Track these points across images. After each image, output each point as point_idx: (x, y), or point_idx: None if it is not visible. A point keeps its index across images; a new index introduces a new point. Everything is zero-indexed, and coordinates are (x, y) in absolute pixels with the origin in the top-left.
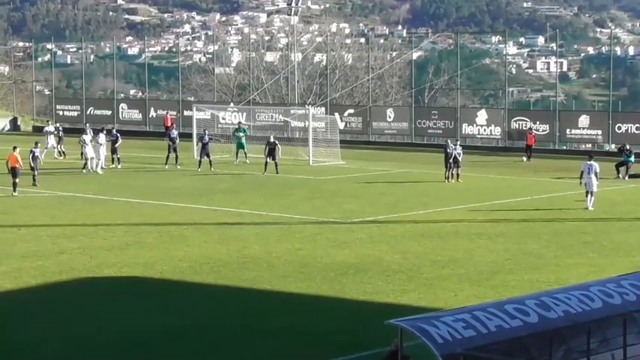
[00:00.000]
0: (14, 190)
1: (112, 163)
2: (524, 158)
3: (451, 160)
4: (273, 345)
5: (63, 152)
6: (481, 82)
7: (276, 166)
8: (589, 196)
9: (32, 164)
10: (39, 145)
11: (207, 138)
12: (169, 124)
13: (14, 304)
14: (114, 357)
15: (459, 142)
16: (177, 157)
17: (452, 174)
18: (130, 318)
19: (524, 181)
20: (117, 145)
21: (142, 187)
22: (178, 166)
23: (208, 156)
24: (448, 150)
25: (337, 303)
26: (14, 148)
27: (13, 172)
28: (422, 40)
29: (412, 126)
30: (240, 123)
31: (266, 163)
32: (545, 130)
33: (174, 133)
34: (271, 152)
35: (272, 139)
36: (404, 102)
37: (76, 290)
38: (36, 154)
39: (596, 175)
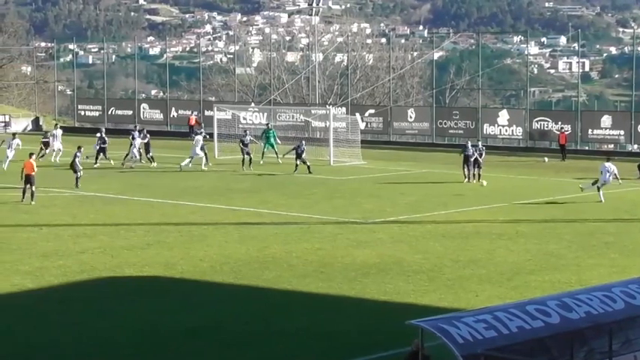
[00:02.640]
0: (31, 199)
1: (151, 162)
2: (546, 159)
3: (471, 161)
4: (294, 345)
5: (152, 158)
6: (502, 83)
7: (307, 166)
8: (601, 191)
9: (75, 167)
10: (82, 148)
11: (248, 138)
12: (193, 123)
13: (36, 303)
14: (135, 356)
15: (480, 143)
16: (206, 157)
17: (473, 174)
18: (150, 317)
19: (545, 182)
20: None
21: (162, 186)
22: (205, 167)
23: (249, 154)
24: (467, 152)
25: (358, 303)
26: (30, 155)
27: (28, 179)
28: (443, 40)
29: (433, 126)
30: (268, 124)
31: (296, 164)
32: (567, 131)
33: (203, 132)
34: (299, 155)
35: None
36: (425, 102)
37: (97, 290)
38: (77, 156)
39: (616, 177)
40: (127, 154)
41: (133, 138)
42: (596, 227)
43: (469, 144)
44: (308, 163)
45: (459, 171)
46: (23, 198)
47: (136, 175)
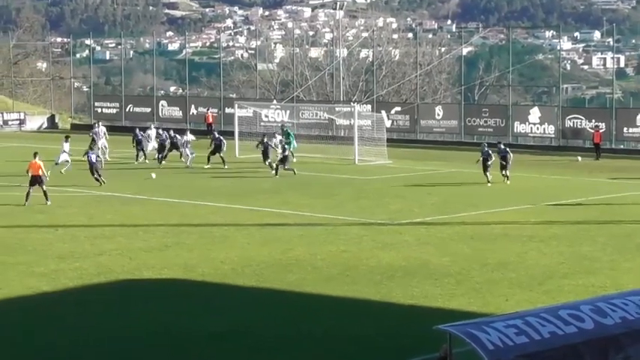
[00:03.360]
0: (46, 199)
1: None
2: (579, 158)
3: (489, 164)
4: (317, 349)
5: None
6: (534, 79)
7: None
8: None
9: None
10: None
11: (267, 143)
12: (211, 120)
13: (52, 306)
14: None
15: (501, 143)
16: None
17: (502, 174)
18: (171, 321)
19: (578, 182)
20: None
21: (181, 186)
22: (226, 166)
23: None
24: (484, 156)
25: (383, 307)
26: (35, 154)
27: (34, 180)
28: (472, 35)
29: (462, 124)
30: (283, 125)
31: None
32: (602, 129)
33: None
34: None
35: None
36: (453, 99)
37: (115, 293)
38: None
39: None
40: (163, 154)
41: (150, 138)
42: (633, 229)
43: (485, 146)
44: (274, 164)
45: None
46: (26, 201)
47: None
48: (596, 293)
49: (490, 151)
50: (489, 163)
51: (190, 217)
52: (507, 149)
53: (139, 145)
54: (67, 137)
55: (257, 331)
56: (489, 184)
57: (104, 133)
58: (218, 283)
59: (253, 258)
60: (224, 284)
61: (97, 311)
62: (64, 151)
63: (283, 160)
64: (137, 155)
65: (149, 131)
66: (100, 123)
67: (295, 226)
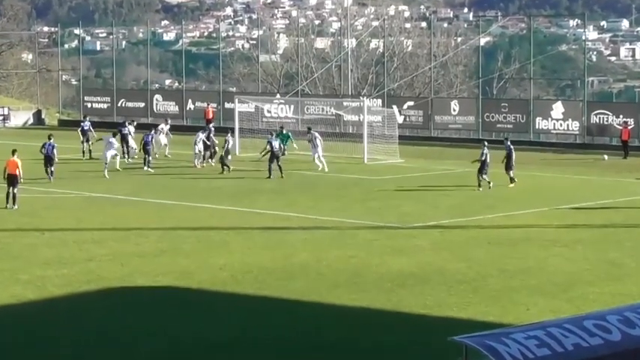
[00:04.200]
0: (13, 203)
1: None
2: (605, 156)
3: (486, 166)
4: None
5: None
6: (557, 71)
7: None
8: None
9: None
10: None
11: (276, 146)
12: (211, 116)
13: (37, 316)
14: None
15: (508, 139)
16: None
17: (509, 176)
18: (165, 332)
19: (604, 182)
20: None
21: (177, 187)
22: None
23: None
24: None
25: (394, 317)
26: (13, 152)
27: (10, 180)
28: (490, 24)
29: (479, 120)
30: (282, 128)
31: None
32: (630, 125)
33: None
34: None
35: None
36: (470, 93)
37: (106, 301)
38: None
39: None
40: (212, 154)
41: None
42: None
43: (486, 144)
44: (228, 163)
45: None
46: (7, 202)
47: (150, 175)
48: (624, 302)
49: (487, 151)
50: (487, 164)
51: (187, 220)
52: (512, 147)
53: (146, 146)
54: (130, 122)
55: (258, 342)
56: (479, 190)
57: (167, 133)
58: (217, 291)
59: (254, 264)
60: (223, 292)
61: (85, 321)
62: (112, 147)
63: (275, 157)
64: (145, 160)
65: (162, 126)
66: (128, 122)
67: (299, 229)
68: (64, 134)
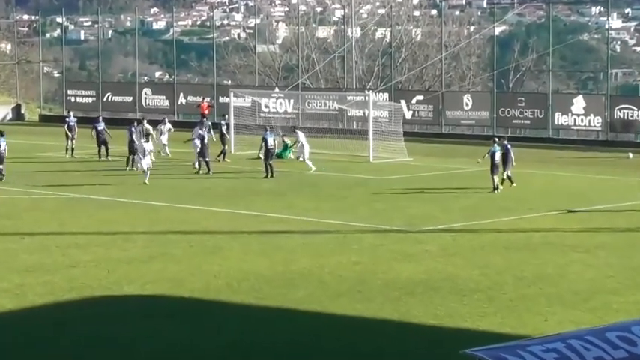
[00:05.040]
0: None
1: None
2: (630, 155)
3: (496, 163)
4: None
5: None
6: (578, 63)
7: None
8: None
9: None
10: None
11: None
12: (206, 112)
13: (17, 326)
14: None
15: (505, 138)
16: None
17: (505, 177)
18: (153, 344)
19: (629, 182)
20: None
21: (168, 187)
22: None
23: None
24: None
25: (402, 328)
26: None
27: None
28: (506, 12)
29: (494, 115)
30: (283, 137)
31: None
32: None
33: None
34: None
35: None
36: (484, 87)
37: (91, 310)
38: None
39: None
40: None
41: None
42: None
43: (496, 141)
44: (208, 159)
45: (524, 169)
46: None
47: (136, 175)
48: None
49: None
50: (497, 162)
51: (178, 224)
52: (509, 146)
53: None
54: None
55: (255, 355)
56: (496, 192)
57: (168, 130)
58: (210, 300)
59: (251, 271)
60: (217, 301)
61: (69, 332)
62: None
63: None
64: (129, 160)
65: (162, 126)
66: (167, 119)
67: (300, 233)
68: (46, 131)
